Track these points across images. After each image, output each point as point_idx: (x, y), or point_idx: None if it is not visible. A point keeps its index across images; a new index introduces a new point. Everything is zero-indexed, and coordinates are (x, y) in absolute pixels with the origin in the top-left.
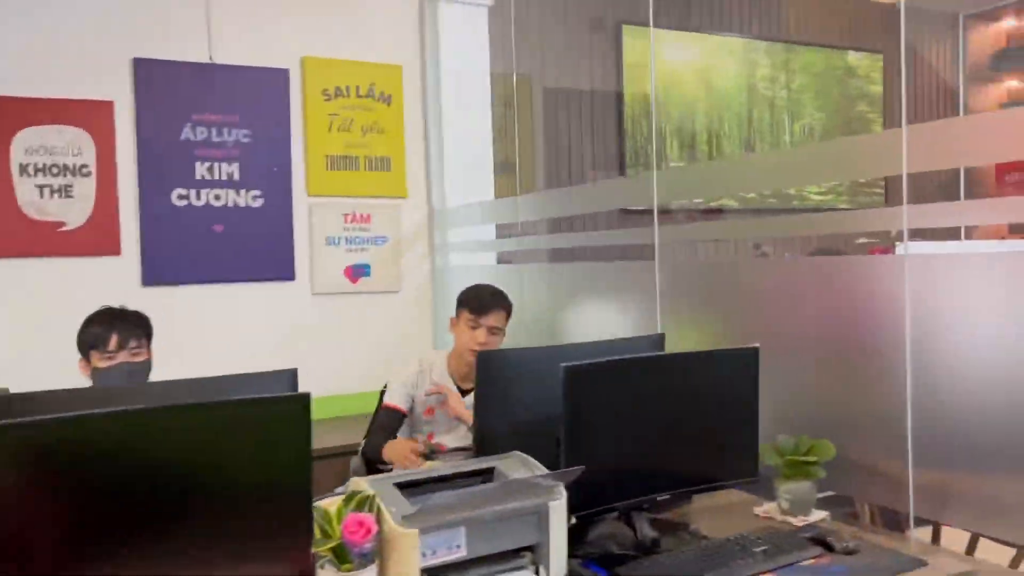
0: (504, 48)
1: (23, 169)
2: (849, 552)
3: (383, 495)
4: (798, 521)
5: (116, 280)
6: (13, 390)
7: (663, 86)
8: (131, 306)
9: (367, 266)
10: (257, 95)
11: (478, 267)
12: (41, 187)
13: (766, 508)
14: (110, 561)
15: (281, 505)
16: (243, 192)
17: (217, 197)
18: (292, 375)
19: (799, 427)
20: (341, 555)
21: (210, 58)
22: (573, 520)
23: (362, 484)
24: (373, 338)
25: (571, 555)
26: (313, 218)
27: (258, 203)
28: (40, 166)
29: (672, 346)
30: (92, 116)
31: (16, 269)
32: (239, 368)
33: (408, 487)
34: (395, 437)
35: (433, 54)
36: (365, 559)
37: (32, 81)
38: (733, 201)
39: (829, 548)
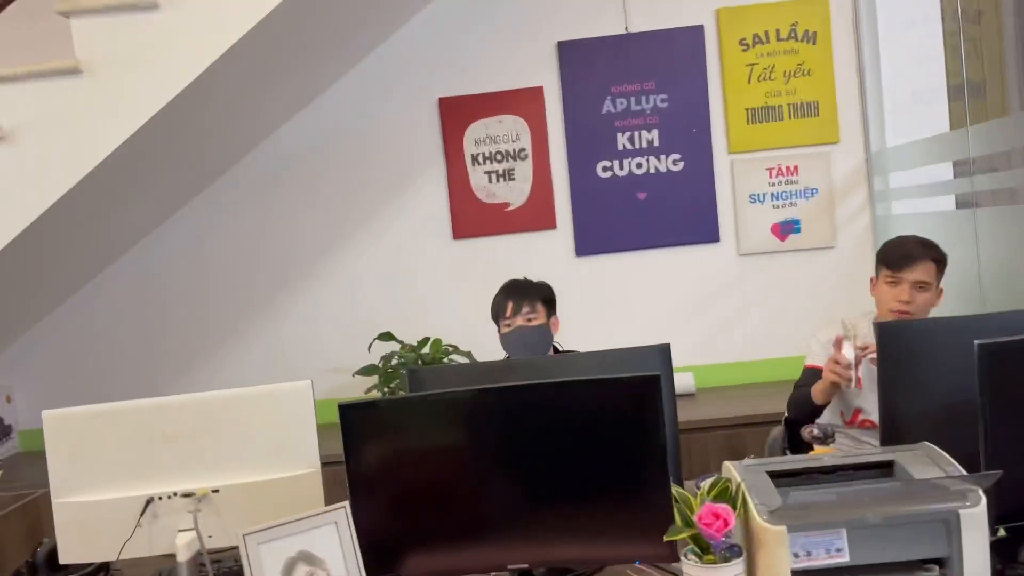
0: None
1: (474, 159)
2: None
3: (753, 485)
4: None
5: (553, 252)
6: (477, 355)
7: None
8: (567, 276)
9: (796, 222)
10: (672, 57)
11: (930, 214)
12: (489, 173)
13: None
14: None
15: (640, 485)
16: (663, 157)
17: (639, 165)
18: (664, 350)
19: None
20: (703, 545)
21: (625, 28)
22: (1002, 532)
23: (732, 470)
24: (806, 300)
25: (999, 575)
26: (735, 176)
27: (678, 167)
28: (487, 154)
29: None
30: (526, 103)
31: (473, 247)
32: (668, 333)
33: (785, 476)
34: None
35: None
36: (730, 553)
37: (476, 79)
38: None
39: None
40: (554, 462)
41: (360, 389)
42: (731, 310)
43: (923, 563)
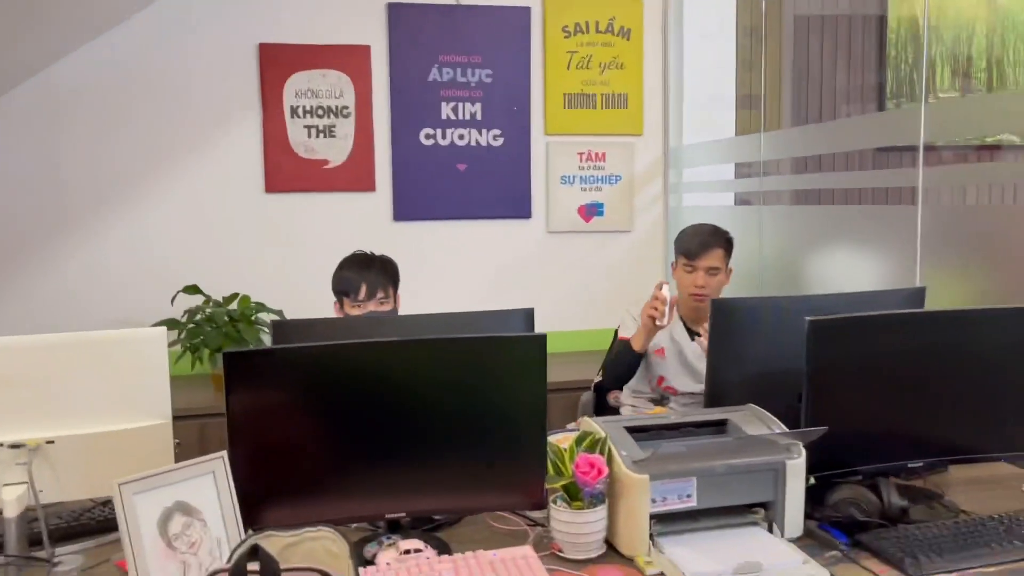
0: None
1: (293, 111)
2: None
3: (614, 438)
4: None
5: (371, 214)
6: (287, 314)
7: (936, 5)
8: (383, 240)
9: (600, 205)
10: (499, 35)
11: (714, 208)
12: (309, 128)
13: None
14: (366, 471)
15: (518, 439)
16: (484, 132)
17: (461, 137)
18: (529, 314)
19: None
20: (572, 493)
21: (456, 0)
22: (812, 480)
23: (593, 425)
24: (605, 277)
25: (808, 516)
26: (550, 157)
27: (498, 142)
28: (308, 108)
29: (934, 303)
30: (352, 60)
31: (287, 203)
32: (478, 301)
33: (638, 432)
34: None
35: None
36: (595, 499)
37: (301, 29)
38: (1016, 137)
39: None
40: (441, 415)
41: None
42: (539, 282)
43: (750, 507)
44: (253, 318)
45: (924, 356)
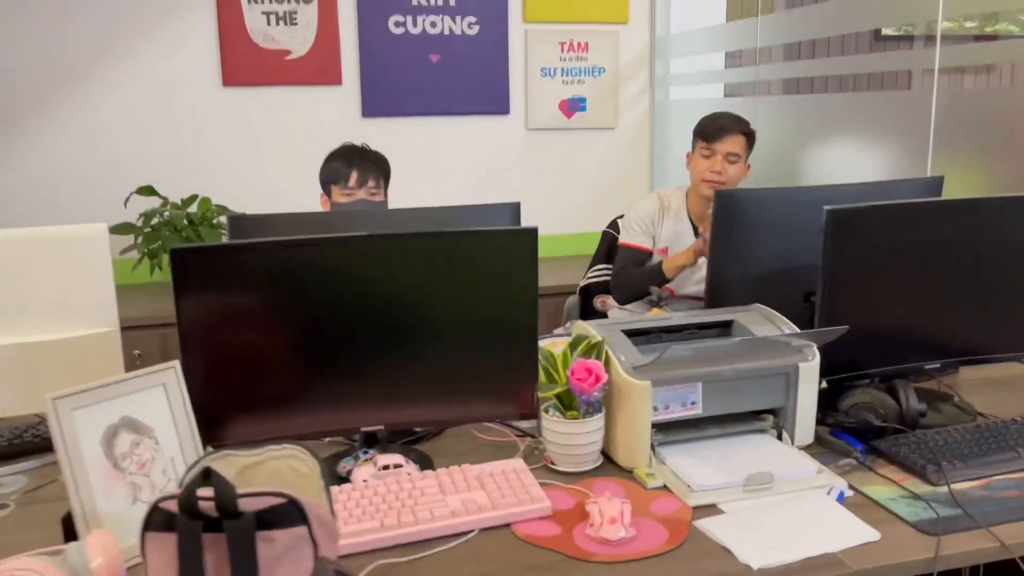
0: None
1: None
2: None
3: (612, 342)
4: None
5: (337, 110)
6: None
7: None
8: (351, 138)
9: (583, 100)
10: None
11: (703, 100)
12: (267, 14)
13: None
14: (338, 380)
15: (507, 342)
16: (459, 19)
17: (433, 24)
18: (515, 209)
19: None
20: (567, 401)
21: None
22: (824, 384)
23: (588, 329)
24: (587, 177)
25: (820, 422)
26: (529, 46)
27: (474, 30)
28: None
29: (950, 193)
30: None
31: (247, 96)
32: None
33: (637, 335)
34: None
35: None
36: (592, 408)
37: None
38: (1015, 27)
39: None
40: (420, 317)
41: (114, 250)
42: (518, 183)
43: (759, 413)
44: (215, 221)
45: (947, 250)
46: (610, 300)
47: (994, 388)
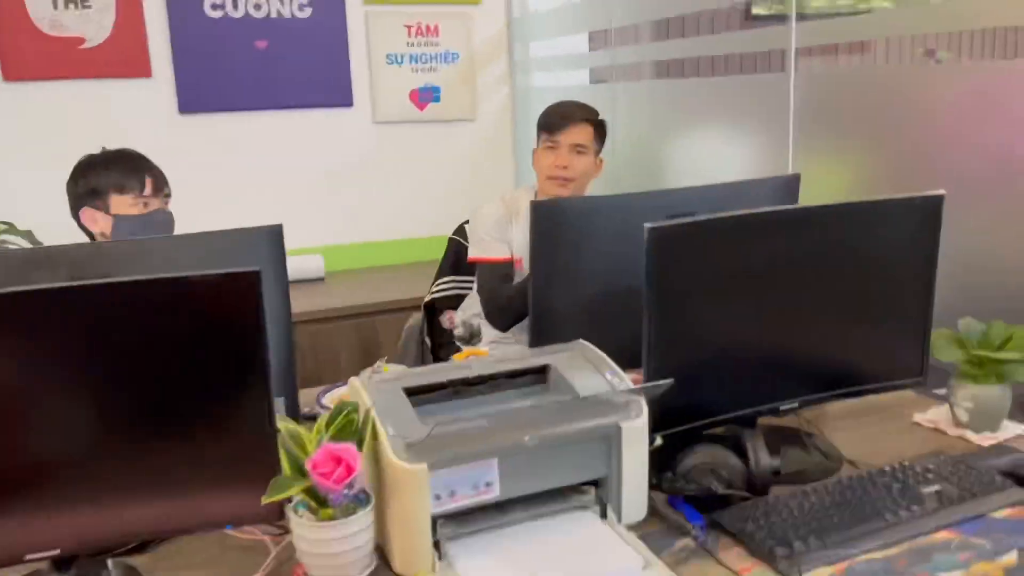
0: None
1: None
2: None
3: (387, 408)
4: (982, 440)
5: (149, 107)
6: (37, 233)
7: None
8: (167, 138)
9: (436, 89)
10: None
11: (567, 88)
12: None
13: (932, 416)
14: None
15: (234, 421)
16: (287, 1)
17: (257, 7)
18: (277, 232)
19: (991, 309)
20: (319, 497)
21: None
22: (658, 441)
23: (360, 391)
24: (443, 175)
25: (656, 487)
26: (371, 31)
27: (305, 12)
28: None
29: (808, 189)
30: None
31: (34, 93)
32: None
33: (425, 393)
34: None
35: None
36: (355, 502)
37: None
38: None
39: None
40: (122, 391)
41: None
42: (366, 184)
43: (577, 487)
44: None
45: (797, 266)
46: (460, 317)
47: (861, 419)
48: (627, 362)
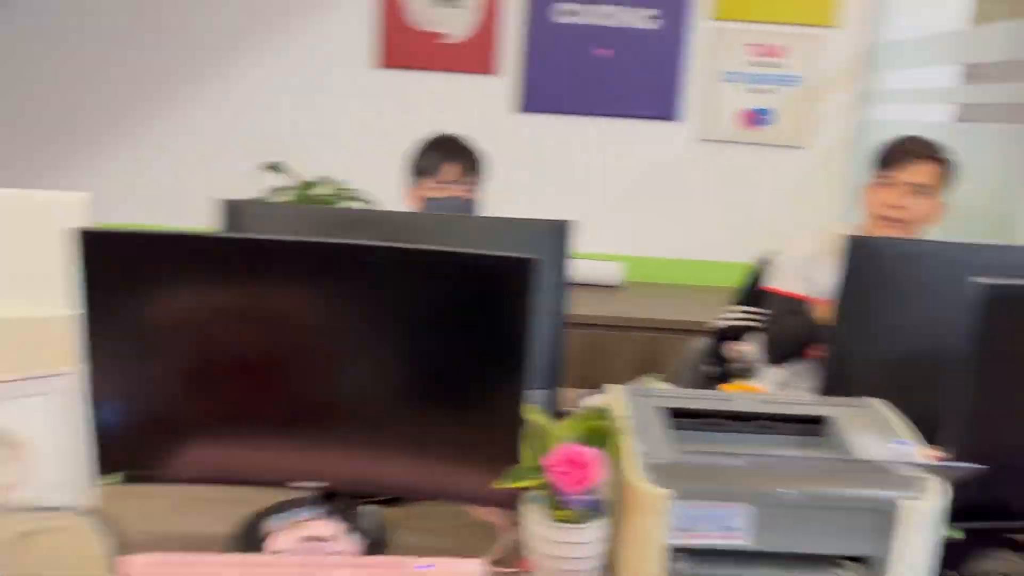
0: None
1: None
2: None
3: (641, 423)
4: None
5: (490, 102)
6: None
7: None
8: (500, 133)
9: (771, 112)
10: None
11: (926, 124)
12: None
13: None
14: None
15: (483, 401)
16: (638, 10)
17: (608, 15)
18: (565, 227)
19: None
20: (554, 496)
21: None
22: (956, 533)
23: (617, 399)
24: (765, 200)
25: None
26: (713, 46)
27: (654, 24)
28: None
29: None
30: None
31: (395, 80)
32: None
33: (687, 417)
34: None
35: None
36: (590, 512)
37: None
38: None
39: None
40: (379, 353)
41: None
42: (681, 200)
43: (838, 559)
44: (345, 205)
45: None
46: (746, 349)
47: None
48: (923, 436)
